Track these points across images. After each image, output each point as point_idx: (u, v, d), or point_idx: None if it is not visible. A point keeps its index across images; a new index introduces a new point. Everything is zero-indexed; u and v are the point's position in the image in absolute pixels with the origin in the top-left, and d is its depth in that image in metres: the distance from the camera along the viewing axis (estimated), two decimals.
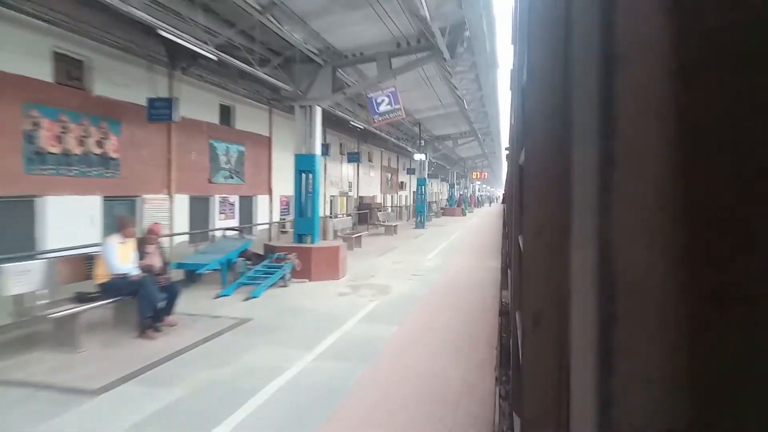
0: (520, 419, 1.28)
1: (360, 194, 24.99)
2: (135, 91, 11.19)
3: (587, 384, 0.32)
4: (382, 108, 11.43)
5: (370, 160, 26.70)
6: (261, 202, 16.89)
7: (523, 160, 1.36)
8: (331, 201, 21.53)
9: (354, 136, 22.48)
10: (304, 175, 10.09)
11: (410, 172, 29.50)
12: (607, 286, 0.31)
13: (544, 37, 1.01)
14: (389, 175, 31.17)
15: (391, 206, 29.46)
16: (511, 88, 3.65)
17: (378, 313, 7.50)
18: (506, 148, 7.84)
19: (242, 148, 15.65)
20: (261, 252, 10.38)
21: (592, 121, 0.33)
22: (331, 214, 20.06)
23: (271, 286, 8.98)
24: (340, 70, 10.78)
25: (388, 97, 11.38)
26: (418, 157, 21.76)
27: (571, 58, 0.44)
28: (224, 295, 8.42)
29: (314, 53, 9.93)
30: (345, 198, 23.39)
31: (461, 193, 46.13)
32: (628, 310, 0.31)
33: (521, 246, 1.35)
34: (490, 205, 63.83)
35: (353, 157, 22.28)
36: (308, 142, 10.06)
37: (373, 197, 26.56)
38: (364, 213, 22.95)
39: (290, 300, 8.40)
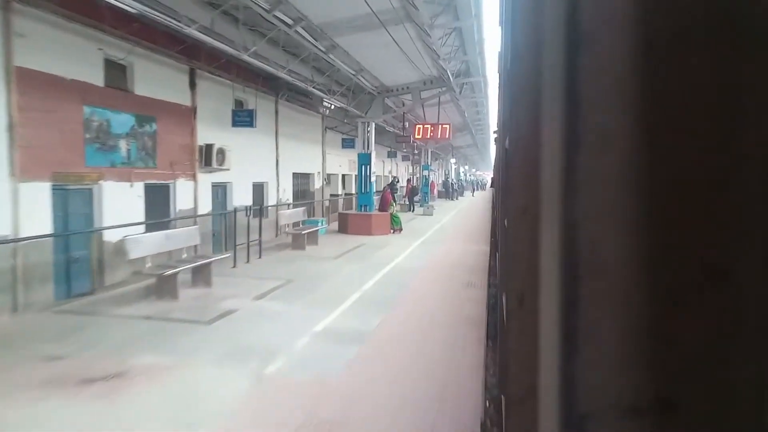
0: (505, 398, 1.30)
1: None
2: None
3: (551, 365, 0.32)
4: None
5: None
6: None
7: (508, 144, 1.35)
8: None
9: None
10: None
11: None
12: (570, 268, 0.31)
13: (526, 19, 1.00)
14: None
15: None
16: (498, 72, 3.62)
17: None
18: (494, 131, 7.83)
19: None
20: None
21: (557, 98, 0.33)
22: None
23: None
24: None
25: None
26: None
27: (541, 40, 0.43)
28: None
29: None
30: None
31: (408, 178, 24.69)
32: (592, 292, 0.31)
33: (506, 228, 1.36)
34: (473, 194, 40.82)
35: None
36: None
37: None
38: None
39: None
